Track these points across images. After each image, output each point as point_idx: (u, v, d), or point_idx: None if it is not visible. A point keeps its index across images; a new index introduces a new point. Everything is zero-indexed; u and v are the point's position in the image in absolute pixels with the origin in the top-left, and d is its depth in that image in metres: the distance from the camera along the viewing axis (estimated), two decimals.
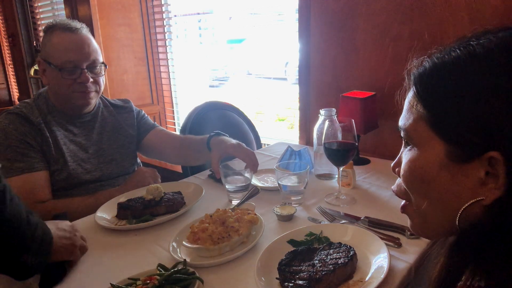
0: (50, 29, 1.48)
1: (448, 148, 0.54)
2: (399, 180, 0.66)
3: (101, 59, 1.54)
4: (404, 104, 0.63)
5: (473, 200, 0.53)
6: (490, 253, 0.49)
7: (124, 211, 1.27)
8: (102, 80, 1.55)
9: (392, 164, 0.69)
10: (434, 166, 0.56)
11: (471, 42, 0.54)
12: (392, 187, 0.68)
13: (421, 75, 0.58)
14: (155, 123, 1.84)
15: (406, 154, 0.62)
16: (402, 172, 0.63)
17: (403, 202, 0.67)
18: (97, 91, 1.55)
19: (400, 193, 0.66)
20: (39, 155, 1.42)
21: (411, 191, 0.62)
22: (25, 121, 1.44)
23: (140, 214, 1.26)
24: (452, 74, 0.54)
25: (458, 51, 0.54)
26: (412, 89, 0.60)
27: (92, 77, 1.49)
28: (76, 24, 1.50)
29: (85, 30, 1.51)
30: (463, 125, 0.51)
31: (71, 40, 1.46)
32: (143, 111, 1.82)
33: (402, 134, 0.63)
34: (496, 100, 0.49)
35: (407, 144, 0.63)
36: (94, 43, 1.52)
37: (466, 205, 0.53)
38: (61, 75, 1.45)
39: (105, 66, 1.56)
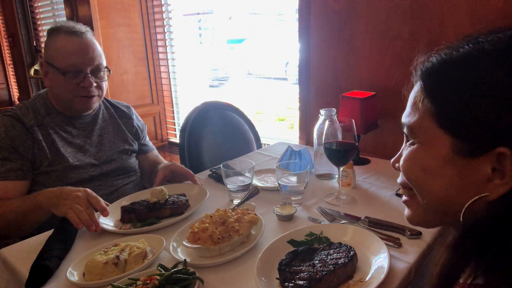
0: (55, 31, 1.48)
1: (456, 143, 0.54)
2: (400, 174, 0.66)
3: (105, 63, 1.54)
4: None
5: (478, 196, 0.53)
6: (493, 250, 0.49)
7: (129, 215, 1.24)
8: (105, 84, 1.56)
9: (392, 160, 0.68)
10: (438, 160, 0.56)
11: (480, 40, 0.54)
12: (398, 179, 0.68)
13: (428, 69, 0.58)
14: (153, 146, 1.87)
15: (407, 149, 0.62)
16: (403, 167, 0.62)
17: (404, 197, 0.67)
18: (99, 96, 1.55)
19: (404, 184, 0.65)
20: (21, 163, 1.41)
21: (413, 185, 0.62)
22: (17, 123, 1.44)
23: (145, 218, 1.24)
24: (461, 69, 0.54)
25: (467, 47, 0.54)
26: (418, 84, 0.59)
27: (95, 82, 1.50)
28: (81, 27, 1.50)
29: (90, 34, 1.51)
30: (472, 120, 0.51)
31: (76, 44, 1.46)
32: (145, 129, 1.83)
33: (405, 130, 0.62)
34: (506, 96, 0.49)
35: (408, 140, 0.62)
36: (98, 47, 1.52)
37: (471, 200, 0.53)
38: (64, 78, 1.45)
39: (109, 71, 1.56)
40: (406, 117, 0.62)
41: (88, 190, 1.24)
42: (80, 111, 1.56)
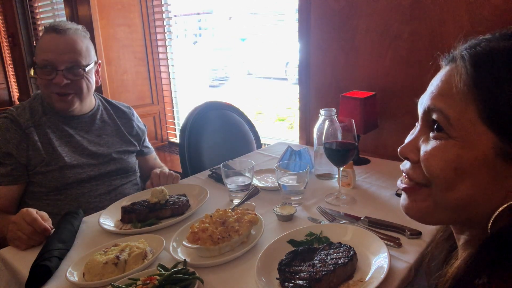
0: (44, 30, 1.50)
1: (500, 144, 0.48)
2: (408, 163, 0.59)
3: (85, 62, 1.48)
4: (433, 81, 0.56)
5: (511, 202, 0.49)
6: None
7: (129, 215, 1.24)
8: (86, 83, 1.50)
9: (400, 148, 0.60)
10: (476, 160, 0.49)
11: None
12: (402, 167, 0.61)
13: (481, 54, 0.50)
14: (152, 148, 1.87)
15: (435, 142, 0.54)
16: (428, 162, 0.54)
17: (403, 184, 0.60)
18: (77, 94, 1.49)
19: (417, 177, 0.57)
20: (12, 168, 1.41)
21: (437, 182, 0.54)
22: (12, 125, 1.44)
23: (145, 218, 1.23)
24: None
25: None
26: (462, 70, 0.51)
27: (70, 79, 1.45)
28: (67, 24, 1.48)
29: (72, 32, 1.47)
30: None
31: (52, 40, 1.45)
32: (146, 132, 1.82)
33: (435, 116, 0.54)
34: None
35: (438, 130, 0.53)
36: (80, 45, 1.47)
37: (505, 206, 0.49)
38: (39, 74, 1.45)
39: (84, 70, 1.48)
40: (437, 100, 0.53)
41: (24, 210, 1.14)
42: (60, 110, 1.51)
